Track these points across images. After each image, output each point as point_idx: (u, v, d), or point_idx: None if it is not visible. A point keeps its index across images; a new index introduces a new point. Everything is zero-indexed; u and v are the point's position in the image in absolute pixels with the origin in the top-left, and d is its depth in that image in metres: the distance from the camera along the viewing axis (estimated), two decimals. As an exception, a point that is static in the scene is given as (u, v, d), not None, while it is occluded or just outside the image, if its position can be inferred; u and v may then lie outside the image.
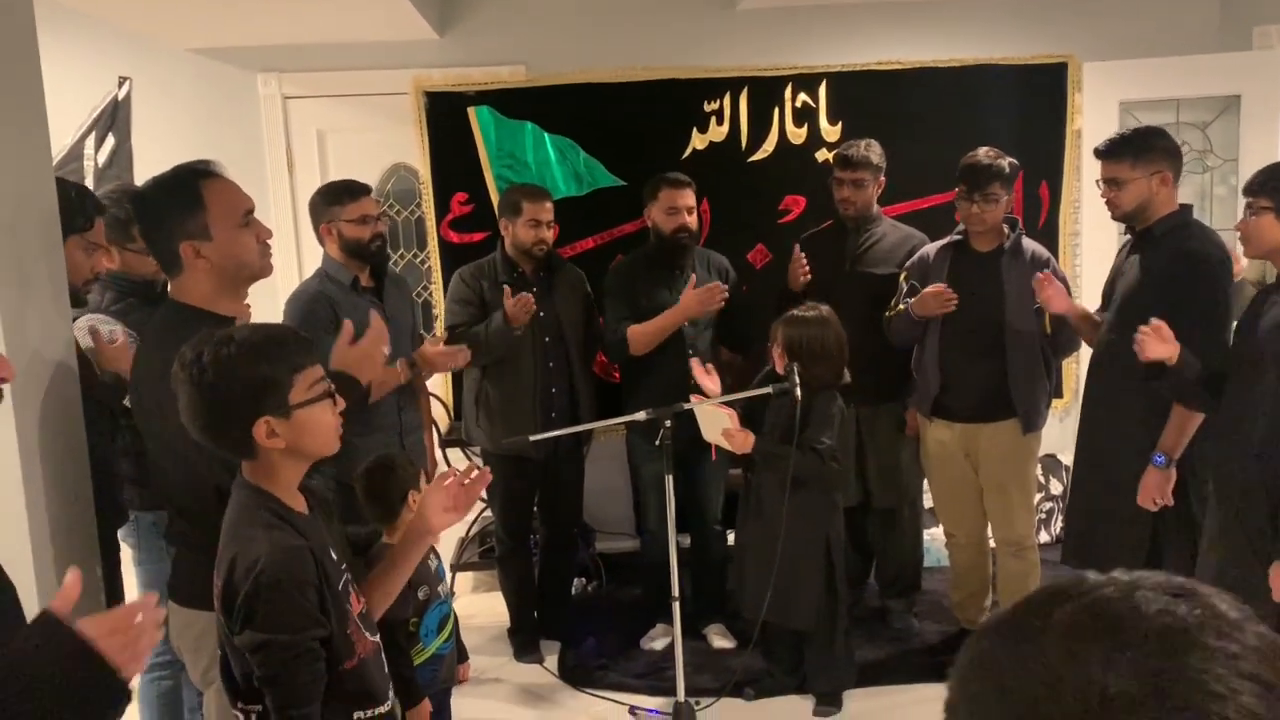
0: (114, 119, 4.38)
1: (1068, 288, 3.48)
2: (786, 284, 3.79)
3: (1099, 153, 3.09)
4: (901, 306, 3.55)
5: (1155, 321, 2.63)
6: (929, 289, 3.42)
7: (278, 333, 1.74)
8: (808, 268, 3.70)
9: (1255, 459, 2.46)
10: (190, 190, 2.07)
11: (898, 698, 3.47)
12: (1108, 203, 3.10)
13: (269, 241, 2.20)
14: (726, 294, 3.60)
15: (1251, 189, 2.56)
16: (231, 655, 1.67)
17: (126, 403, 2.53)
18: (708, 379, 3.27)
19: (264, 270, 2.19)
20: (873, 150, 3.72)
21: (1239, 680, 0.56)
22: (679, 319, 3.62)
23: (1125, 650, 0.58)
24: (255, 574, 1.59)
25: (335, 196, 3.26)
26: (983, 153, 3.43)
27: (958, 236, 3.53)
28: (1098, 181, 3.12)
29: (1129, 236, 3.18)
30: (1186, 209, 3.07)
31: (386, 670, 1.86)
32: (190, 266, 2.08)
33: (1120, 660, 0.58)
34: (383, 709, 1.79)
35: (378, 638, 1.84)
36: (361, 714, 1.74)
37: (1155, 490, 2.89)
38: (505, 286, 3.56)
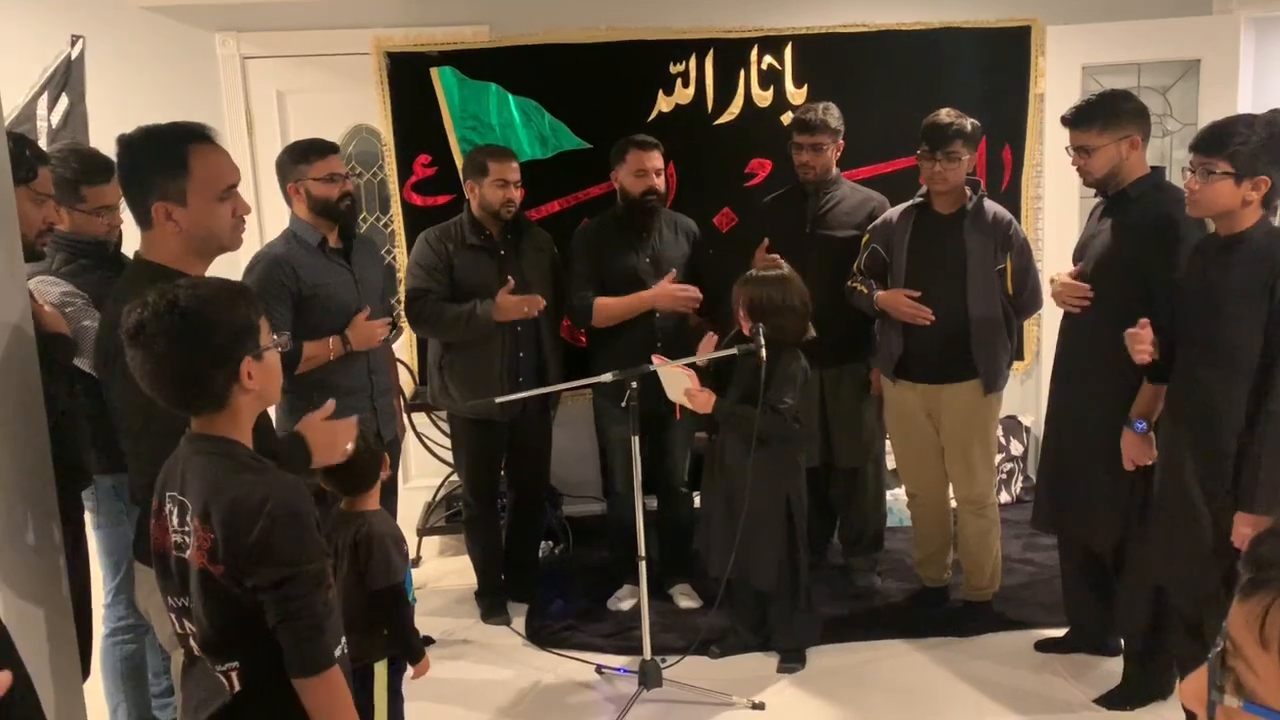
0: (67, 79, 4.29)
1: (1029, 250, 3.53)
2: (755, 243, 3.81)
3: (1066, 121, 3.07)
4: (863, 289, 3.57)
5: (1143, 323, 2.69)
6: (902, 297, 3.45)
7: (233, 282, 1.77)
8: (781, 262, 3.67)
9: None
10: (177, 152, 2.04)
11: (861, 654, 3.53)
12: (1079, 170, 3.09)
13: (245, 217, 2.17)
14: (699, 303, 3.64)
15: (1207, 149, 2.52)
16: (221, 611, 1.65)
17: (77, 363, 2.50)
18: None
19: (233, 245, 2.17)
20: (830, 114, 3.73)
21: None
22: (646, 305, 3.64)
23: None
24: (267, 510, 1.58)
25: (302, 155, 3.23)
26: (944, 113, 3.44)
27: (920, 199, 3.55)
28: (1067, 149, 3.10)
29: (1099, 198, 3.18)
30: (1158, 171, 3.08)
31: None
32: (159, 226, 2.06)
33: None
34: (344, 645, 1.81)
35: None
36: (335, 652, 1.75)
37: (1136, 453, 2.90)
38: (510, 279, 3.54)
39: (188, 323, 1.61)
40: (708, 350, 3.29)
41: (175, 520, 1.69)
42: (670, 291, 3.61)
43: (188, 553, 1.66)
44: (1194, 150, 2.58)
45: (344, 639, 1.77)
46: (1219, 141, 2.50)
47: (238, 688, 1.67)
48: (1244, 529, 2.46)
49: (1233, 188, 2.48)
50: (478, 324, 3.54)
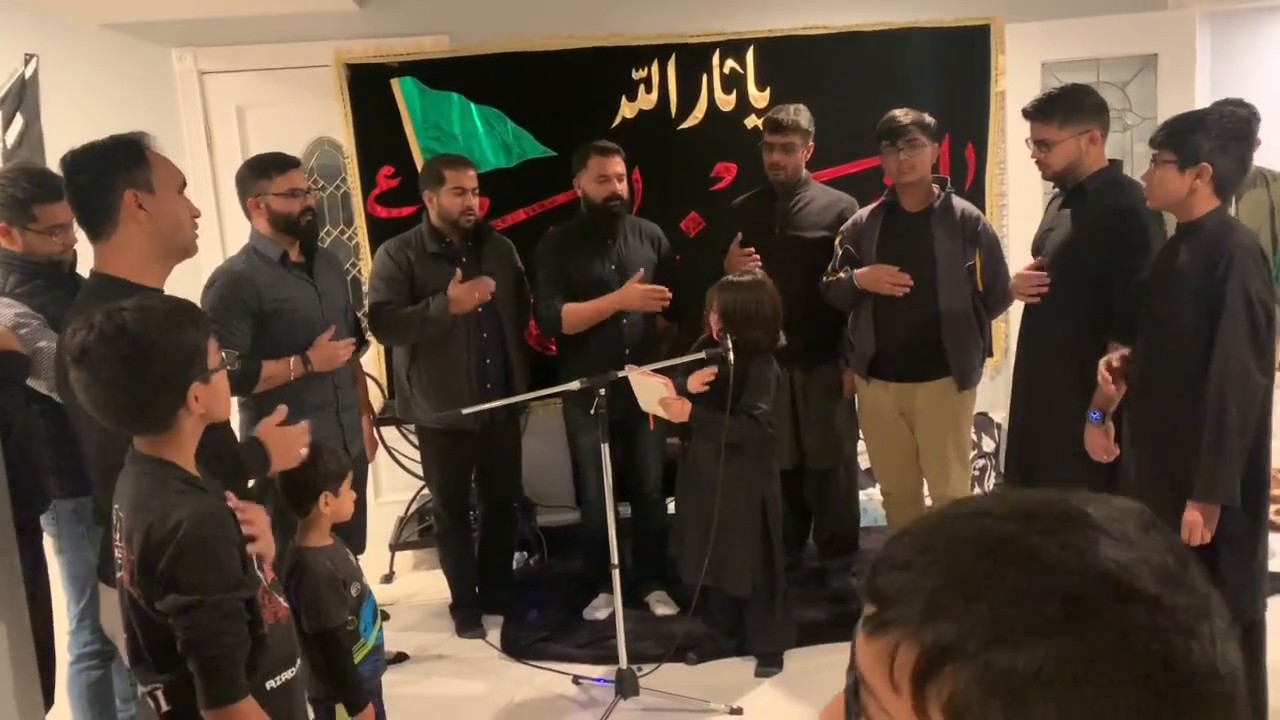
0: (21, 98, 4.23)
1: (998, 246, 3.54)
2: (723, 247, 3.81)
3: (1028, 114, 3.11)
4: (842, 275, 3.57)
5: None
6: (881, 269, 3.43)
7: (182, 300, 1.74)
8: (757, 257, 3.67)
9: (1178, 402, 2.54)
10: (135, 147, 2.07)
11: (838, 656, 3.50)
12: (1038, 163, 3.13)
13: (197, 219, 2.18)
14: (667, 303, 3.62)
15: (1155, 141, 2.61)
16: (142, 630, 1.63)
17: (34, 385, 2.45)
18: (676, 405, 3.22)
19: (192, 247, 2.17)
20: (801, 114, 3.73)
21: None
22: (614, 307, 3.62)
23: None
24: (178, 537, 1.56)
25: (263, 169, 3.20)
26: (898, 111, 3.47)
27: (888, 199, 3.56)
28: (1027, 141, 3.14)
29: (1056, 190, 3.23)
30: (1116, 164, 3.13)
31: (295, 636, 1.86)
32: (126, 222, 2.04)
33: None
34: (289, 674, 1.78)
35: (286, 604, 1.83)
36: (273, 682, 1.72)
37: (1099, 446, 2.93)
38: (458, 270, 3.53)
39: (135, 349, 1.58)
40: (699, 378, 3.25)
41: (117, 535, 1.67)
42: (639, 292, 3.59)
43: (120, 571, 1.64)
44: (1150, 144, 2.66)
45: (285, 673, 1.74)
46: (1165, 133, 2.59)
47: (165, 708, 1.64)
48: (1191, 515, 2.48)
49: (1177, 175, 2.54)
50: (434, 320, 3.50)
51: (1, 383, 2.29)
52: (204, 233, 4.22)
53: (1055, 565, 0.59)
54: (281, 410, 2.21)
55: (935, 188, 3.50)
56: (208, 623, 1.57)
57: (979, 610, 0.59)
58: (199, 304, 3.09)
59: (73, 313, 2.08)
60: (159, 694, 1.64)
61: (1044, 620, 0.57)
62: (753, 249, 3.68)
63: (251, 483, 2.30)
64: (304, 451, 2.22)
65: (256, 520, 1.78)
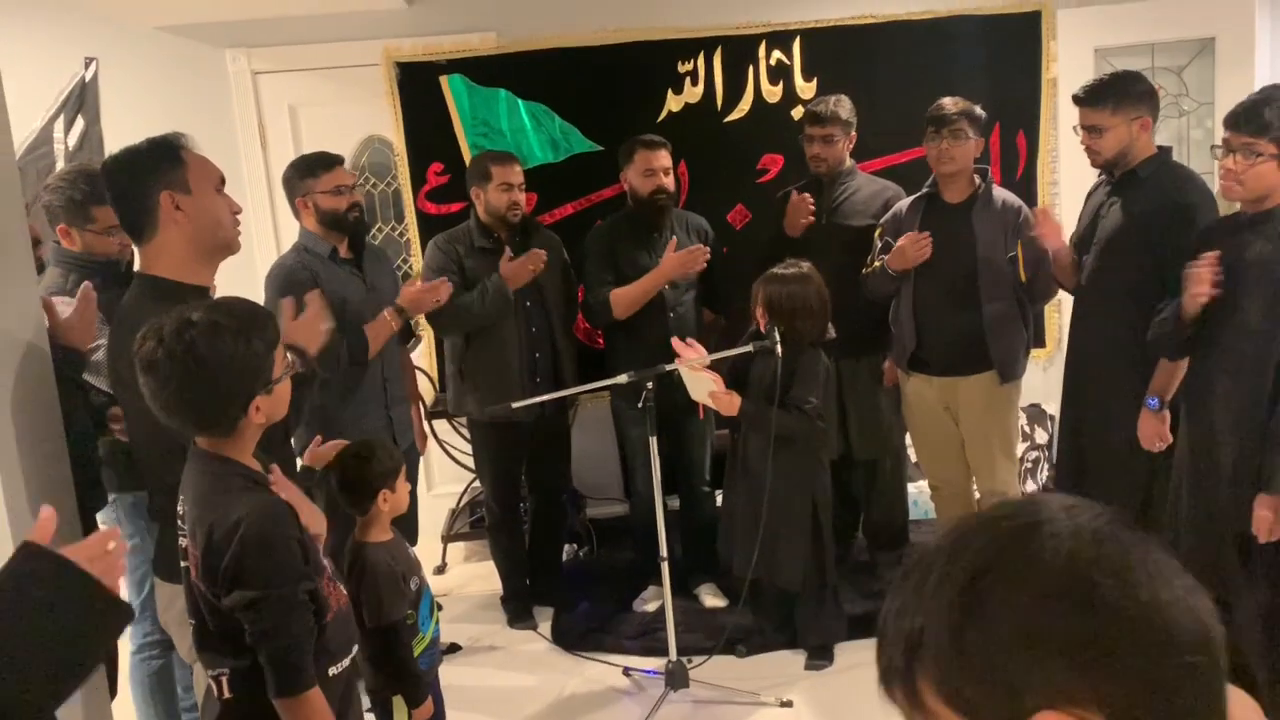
0: (82, 101, 4.33)
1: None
2: (769, 238, 3.79)
3: (1078, 99, 3.08)
4: (877, 264, 3.54)
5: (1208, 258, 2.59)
6: (903, 238, 3.41)
7: (251, 308, 1.76)
8: (812, 206, 3.67)
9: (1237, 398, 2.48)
10: (170, 148, 2.11)
11: (888, 649, 3.49)
12: (1088, 150, 3.10)
13: (238, 216, 2.21)
14: (708, 255, 3.61)
15: (1252, 129, 2.44)
16: (212, 618, 1.68)
17: (93, 381, 2.51)
18: (689, 351, 3.22)
19: (234, 243, 2.20)
20: (842, 106, 3.71)
21: None
22: (660, 281, 3.62)
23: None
24: (240, 534, 1.60)
25: (308, 169, 3.25)
26: (947, 100, 3.44)
27: (929, 189, 3.52)
28: (1076, 128, 3.11)
29: (1102, 178, 3.19)
30: (1165, 151, 3.09)
31: (354, 623, 1.90)
32: (166, 223, 2.08)
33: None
34: (348, 660, 1.83)
35: (346, 592, 1.87)
36: (335, 669, 1.76)
37: (1152, 433, 2.90)
38: (506, 249, 3.57)
39: (202, 368, 1.62)
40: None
41: (185, 526, 1.72)
42: (677, 259, 3.59)
43: (187, 560, 1.69)
44: (1234, 129, 2.50)
45: (345, 659, 1.77)
46: (1264, 121, 2.43)
47: (226, 694, 1.69)
48: (1263, 511, 2.42)
49: (1276, 169, 2.44)
50: (495, 299, 3.53)
51: (61, 380, 2.35)
52: (259, 230, 4.34)
53: (969, 530, 0.66)
54: (287, 305, 2.39)
55: (976, 179, 3.46)
56: (273, 615, 1.61)
57: (915, 595, 0.65)
58: (254, 299, 3.17)
59: (121, 316, 2.12)
60: (223, 679, 1.69)
61: (957, 567, 0.64)
62: (809, 195, 3.68)
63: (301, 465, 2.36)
64: (325, 327, 2.39)
65: (294, 497, 1.82)
